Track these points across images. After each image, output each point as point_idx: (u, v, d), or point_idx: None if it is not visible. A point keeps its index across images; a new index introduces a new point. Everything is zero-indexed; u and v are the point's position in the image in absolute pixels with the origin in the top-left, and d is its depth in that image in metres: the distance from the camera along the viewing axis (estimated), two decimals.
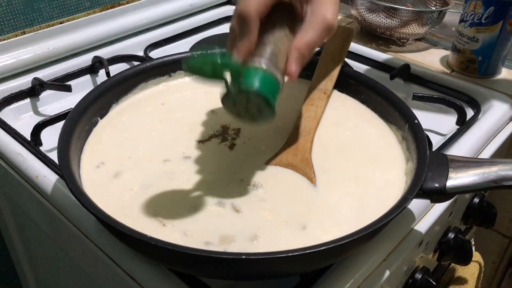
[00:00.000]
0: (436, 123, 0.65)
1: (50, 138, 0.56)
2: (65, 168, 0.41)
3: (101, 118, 0.53)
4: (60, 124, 0.53)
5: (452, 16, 0.89)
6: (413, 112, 0.49)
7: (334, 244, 0.34)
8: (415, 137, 0.46)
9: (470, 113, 0.64)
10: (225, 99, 0.41)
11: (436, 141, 0.60)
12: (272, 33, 0.42)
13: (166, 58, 0.59)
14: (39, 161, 0.53)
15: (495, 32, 0.71)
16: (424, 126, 0.48)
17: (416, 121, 0.48)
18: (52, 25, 0.73)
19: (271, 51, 0.41)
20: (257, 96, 0.39)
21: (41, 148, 0.56)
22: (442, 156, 0.43)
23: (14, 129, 0.58)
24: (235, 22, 0.41)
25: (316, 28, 0.40)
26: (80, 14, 0.76)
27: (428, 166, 0.42)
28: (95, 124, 0.52)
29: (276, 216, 0.42)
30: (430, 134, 0.60)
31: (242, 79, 0.39)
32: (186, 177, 0.46)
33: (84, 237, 0.47)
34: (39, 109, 0.68)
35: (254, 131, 0.52)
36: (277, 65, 0.41)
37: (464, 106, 0.64)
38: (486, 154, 0.60)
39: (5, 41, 0.68)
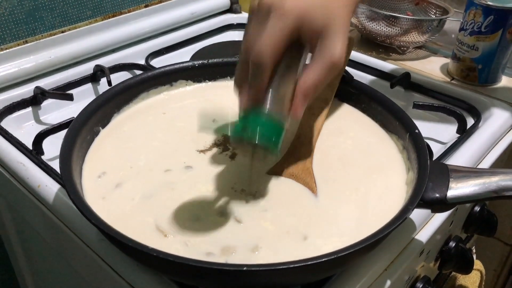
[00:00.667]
0: (437, 131, 0.65)
1: (52, 147, 0.56)
2: (66, 178, 0.41)
3: (103, 127, 0.53)
4: (62, 133, 0.53)
5: (452, 24, 0.89)
6: (413, 122, 0.49)
7: (335, 256, 0.34)
8: (416, 147, 0.46)
9: (470, 121, 0.64)
10: (233, 138, 0.43)
11: (437, 150, 0.60)
12: (278, 74, 0.42)
13: (167, 68, 0.59)
14: (41, 170, 0.54)
15: (495, 41, 0.71)
16: (424, 134, 0.48)
17: (416, 131, 0.48)
18: (54, 34, 0.73)
19: (276, 93, 0.41)
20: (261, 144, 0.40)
21: (43, 157, 0.56)
22: (442, 166, 0.44)
23: (16, 138, 0.59)
24: (251, 62, 0.40)
25: (322, 67, 0.39)
26: (82, 23, 0.76)
27: (428, 176, 0.42)
28: (97, 133, 0.52)
29: (277, 226, 0.42)
30: (430, 143, 0.61)
31: (247, 128, 0.40)
32: (188, 187, 0.46)
33: (85, 246, 0.47)
34: (41, 118, 0.68)
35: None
36: (282, 106, 0.41)
37: (464, 114, 0.64)
38: (487, 162, 0.60)
39: (7, 50, 0.68)
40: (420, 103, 0.65)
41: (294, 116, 0.40)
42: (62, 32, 0.74)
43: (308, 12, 0.39)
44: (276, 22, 0.38)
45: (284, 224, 0.42)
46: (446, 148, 0.58)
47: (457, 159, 0.57)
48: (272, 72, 0.40)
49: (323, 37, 0.39)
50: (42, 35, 0.72)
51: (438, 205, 0.41)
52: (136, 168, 0.48)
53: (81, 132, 0.48)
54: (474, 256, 0.74)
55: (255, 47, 0.39)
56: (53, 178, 0.52)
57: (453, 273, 0.68)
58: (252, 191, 0.46)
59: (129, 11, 0.81)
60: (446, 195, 0.41)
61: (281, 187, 0.46)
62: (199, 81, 0.61)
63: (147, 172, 0.48)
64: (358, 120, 0.56)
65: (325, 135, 0.53)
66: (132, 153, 0.50)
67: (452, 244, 0.57)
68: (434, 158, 0.56)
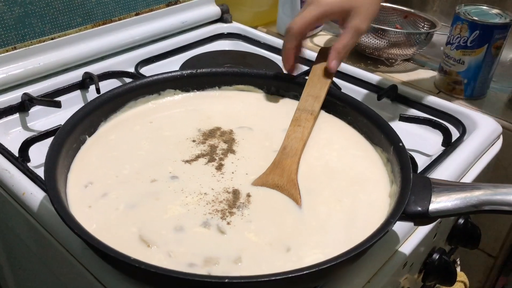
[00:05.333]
0: (422, 143, 0.66)
1: (39, 154, 0.56)
2: (51, 186, 0.41)
3: (90, 136, 0.53)
4: (49, 140, 0.53)
5: (440, 37, 0.90)
6: (397, 135, 0.50)
7: (317, 268, 0.35)
8: (400, 160, 0.46)
9: (455, 134, 0.65)
10: None
11: (422, 162, 0.61)
12: None
13: (155, 77, 0.59)
14: (26, 177, 0.53)
15: (481, 55, 0.72)
16: (409, 146, 0.48)
17: (400, 144, 0.48)
18: (44, 41, 0.73)
19: None
20: None
21: (29, 164, 0.56)
22: (425, 179, 0.44)
23: (2, 144, 0.58)
24: (285, 31, 0.58)
25: (350, 34, 0.57)
26: (72, 30, 0.76)
27: (411, 190, 0.42)
28: (83, 142, 0.52)
29: (261, 237, 0.42)
30: (415, 155, 0.61)
31: None
32: (172, 198, 0.46)
33: (69, 255, 0.47)
34: (28, 125, 0.68)
35: (241, 152, 0.53)
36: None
37: (449, 127, 0.64)
38: (471, 175, 0.60)
39: None
40: (406, 115, 0.66)
41: (330, 68, 0.58)
42: (52, 39, 0.74)
43: (337, 3, 0.57)
44: (310, 9, 0.57)
45: (267, 236, 0.42)
46: (431, 160, 0.59)
47: (442, 172, 0.57)
48: (299, 41, 0.58)
49: (351, 16, 0.57)
50: (31, 42, 0.72)
51: (420, 218, 0.42)
52: (122, 177, 0.48)
53: (67, 140, 0.48)
54: (459, 268, 0.75)
55: (291, 23, 0.58)
56: (39, 186, 0.52)
57: (437, 285, 0.69)
58: (237, 202, 0.46)
59: (119, 19, 0.81)
60: (428, 208, 0.41)
61: (265, 198, 0.47)
62: (187, 90, 0.62)
63: (133, 181, 0.48)
64: (344, 132, 0.56)
65: (311, 147, 0.54)
66: (118, 162, 0.50)
67: (435, 256, 0.57)
68: (418, 171, 0.56)
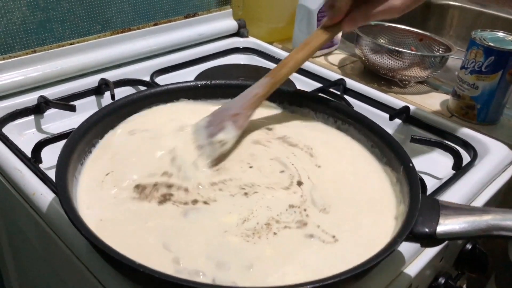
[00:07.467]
0: (433, 166, 0.65)
1: (51, 155, 0.57)
2: (61, 188, 0.42)
3: (101, 139, 0.54)
4: (61, 143, 0.54)
5: (455, 61, 0.90)
6: (408, 155, 0.50)
7: (320, 284, 0.35)
8: (409, 180, 0.46)
9: (466, 158, 0.65)
10: None
11: (431, 185, 0.61)
12: None
13: (170, 86, 0.60)
14: (37, 178, 0.54)
15: (495, 81, 0.72)
16: (420, 168, 0.48)
17: (411, 164, 0.48)
18: (63, 46, 0.74)
19: None
20: None
21: (40, 165, 0.57)
22: (434, 201, 0.44)
23: (15, 145, 0.59)
24: None
25: (381, 10, 0.53)
26: (91, 37, 0.77)
27: (419, 210, 0.42)
28: (95, 145, 0.53)
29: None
30: (425, 177, 0.61)
31: None
32: (178, 205, 0.46)
33: (75, 258, 0.47)
34: (42, 127, 0.69)
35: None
36: None
37: (461, 151, 0.64)
38: (480, 201, 0.60)
39: (16, 59, 0.69)
40: (418, 137, 0.65)
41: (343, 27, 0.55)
42: (71, 44, 0.75)
43: None
44: None
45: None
46: (441, 183, 0.59)
47: (451, 196, 0.57)
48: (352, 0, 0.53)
49: None
50: (51, 46, 0.73)
51: (427, 239, 0.41)
52: (133, 182, 0.49)
53: (79, 143, 0.49)
54: None
55: None
56: (49, 187, 0.53)
57: None
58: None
59: (138, 28, 0.82)
60: (435, 230, 0.41)
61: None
62: (200, 100, 0.62)
63: (146, 187, 0.48)
64: (353, 150, 0.56)
65: (321, 164, 0.54)
66: (129, 168, 0.51)
67: (441, 280, 0.57)
68: (427, 193, 0.56)
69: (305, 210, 0.47)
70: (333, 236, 0.44)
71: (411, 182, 0.46)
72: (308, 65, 0.87)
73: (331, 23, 0.56)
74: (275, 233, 0.44)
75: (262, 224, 0.45)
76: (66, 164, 0.45)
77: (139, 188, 0.48)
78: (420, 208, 0.42)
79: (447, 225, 0.41)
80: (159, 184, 0.48)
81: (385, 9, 0.53)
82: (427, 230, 0.41)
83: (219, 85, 0.62)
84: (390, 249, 0.39)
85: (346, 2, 0.54)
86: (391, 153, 0.52)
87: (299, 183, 0.50)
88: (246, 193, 0.48)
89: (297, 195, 0.49)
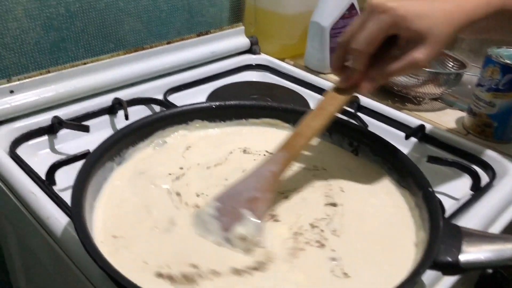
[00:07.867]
0: (450, 185, 0.64)
1: (65, 176, 0.57)
2: (77, 217, 0.41)
3: (117, 164, 0.53)
4: (75, 164, 0.54)
5: (469, 77, 0.89)
6: (427, 179, 0.49)
7: None
8: (429, 206, 0.45)
9: (484, 177, 0.64)
10: None
11: (449, 205, 0.60)
12: None
13: (184, 107, 0.60)
14: (51, 201, 0.54)
15: None
16: (437, 188, 0.47)
17: (430, 189, 0.47)
18: (76, 66, 0.74)
19: None
20: None
21: (54, 187, 0.56)
22: (455, 227, 0.43)
23: (29, 166, 0.59)
24: (352, 50, 0.48)
25: (402, 65, 0.47)
26: (104, 56, 0.78)
27: (441, 238, 0.41)
28: (111, 170, 0.52)
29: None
30: (442, 198, 0.60)
31: None
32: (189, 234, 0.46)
33: (89, 283, 0.47)
34: (56, 147, 0.69)
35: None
36: None
37: (478, 171, 0.63)
38: (500, 223, 0.58)
39: (30, 79, 0.69)
40: (435, 157, 0.64)
41: (360, 88, 0.49)
42: (84, 63, 0.75)
43: (406, 18, 0.46)
44: (376, 19, 0.46)
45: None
46: (459, 205, 0.57)
47: (470, 218, 0.56)
48: (368, 59, 0.48)
49: (415, 42, 0.46)
50: (64, 66, 0.73)
51: (450, 268, 0.41)
52: (151, 208, 0.48)
53: (94, 168, 0.48)
54: None
55: (358, 37, 0.47)
56: (63, 211, 0.52)
57: None
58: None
59: (151, 47, 0.82)
60: (458, 258, 0.40)
61: None
62: (214, 121, 0.62)
63: (163, 213, 0.48)
64: (370, 174, 0.55)
65: (338, 189, 0.53)
66: (147, 194, 0.50)
67: None
68: (446, 215, 0.55)
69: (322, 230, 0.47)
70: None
71: (431, 208, 0.45)
72: (319, 82, 0.87)
73: (346, 85, 0.51)
74: None
75: None
76: (81, 191, 0.44)
77: None
78: (441, 235, 0.41)
79: (470, 253, 0.40)
80: None
81: (406, 64, 0.47)
82: (449, 259, 0.40)
83: (233, 106, 0.62)
84: (412, 280, 0.38)
85: (363, 62, 0.48)
86: (409, 177, 0.51)
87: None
88: None
89: None
